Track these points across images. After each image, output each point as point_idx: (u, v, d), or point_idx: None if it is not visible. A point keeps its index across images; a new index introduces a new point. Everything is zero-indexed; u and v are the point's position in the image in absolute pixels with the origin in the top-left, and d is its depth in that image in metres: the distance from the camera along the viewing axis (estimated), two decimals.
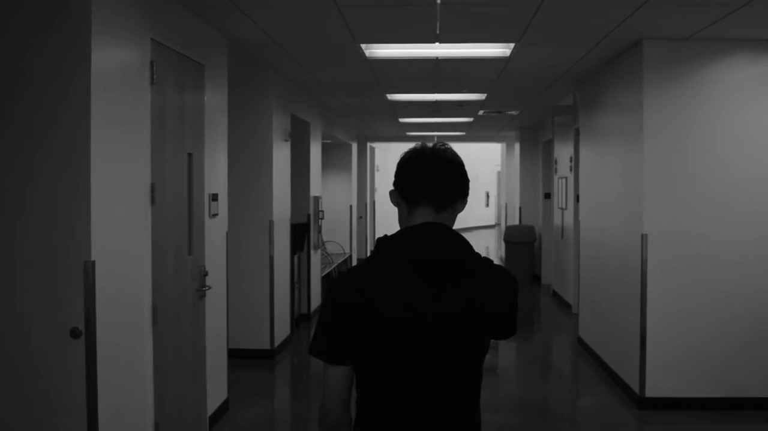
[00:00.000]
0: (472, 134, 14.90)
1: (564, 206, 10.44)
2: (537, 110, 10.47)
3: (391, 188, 1.90)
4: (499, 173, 30.56)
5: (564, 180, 10.41)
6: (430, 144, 1.88)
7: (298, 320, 8.78)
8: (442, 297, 1.76)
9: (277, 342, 7.27)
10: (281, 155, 7.42)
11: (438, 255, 1.78)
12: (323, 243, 12.41)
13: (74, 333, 3.31)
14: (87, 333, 3.32)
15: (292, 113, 7.87)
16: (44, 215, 3.33)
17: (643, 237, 5.60)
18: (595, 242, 7.26)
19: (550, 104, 9.82)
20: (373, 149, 16.94)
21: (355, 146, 14.19)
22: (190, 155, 4.57)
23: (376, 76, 7.26)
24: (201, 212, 4.78)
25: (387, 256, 1.80)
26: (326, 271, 11.28)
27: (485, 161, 28.90)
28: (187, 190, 4.55)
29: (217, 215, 5.09)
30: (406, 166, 1.87)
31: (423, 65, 6.69)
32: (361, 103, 9.81)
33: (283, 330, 7.59)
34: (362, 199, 15.46)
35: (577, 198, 9.71)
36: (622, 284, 6.19)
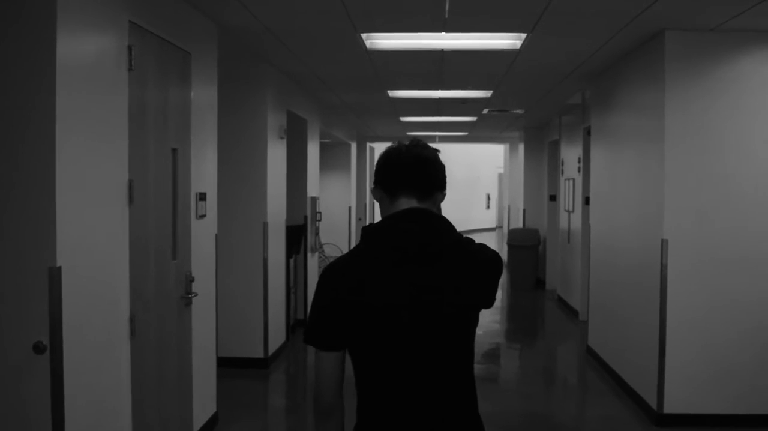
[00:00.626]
0: (475, 134, 14.53)
1: (571, 209, 10.06)
2: (544, 109, 10.10)
3: (372, 186, 1.98)
4: (500, 175, 30.22)
5: (571, 182, 10.04)
6: (406, 142, 1.96)
7: (294, 326, 8.40)
8: (426, 279, 1.81)
9: (271, 350, 6.89)
10: (276, 154, 7.05)
11: (421, 238, 1.83)
12: (321, 246, 12.04)
13: (37, 348, 2.93)
14: (52, 348, 2.95)
15: (288, 109, 7.50)
16: (4, 217, 2.95)
17: (663, 242, 5.22)
18: (607, 247, 6.89)
19: (558, 103, 9.45)
20: (372, 150, 16.56)
21: (354, 146, 13.81)
22: (174, 150, 4.19)
23: (377, 70, 6.89)
24: (187, 213, 4.41)
25: (372, 242, 1.85)
26: None
27: (486, 163, 28.53)
28: (172, 189, 4.18)
29: (205, 216, 4.72)
30: (386, 163, 1.94)
31: (427, 58, 6.32)
32: (361, 101, 9.43)
33: (277, 337, 7.21)
34: (361, 200, 15.08)
35: (585, 200, 9.34)
36: (638, 291, 5.82)
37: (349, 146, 13.23)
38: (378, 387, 1.85)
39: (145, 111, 3.76)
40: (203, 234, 4.72)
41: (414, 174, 1.90)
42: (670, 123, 5.20)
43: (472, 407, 1.92)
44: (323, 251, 12.76)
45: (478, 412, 1.95)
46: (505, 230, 16.65)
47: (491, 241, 24.63)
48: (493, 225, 29.98)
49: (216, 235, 5.02)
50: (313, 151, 9.05)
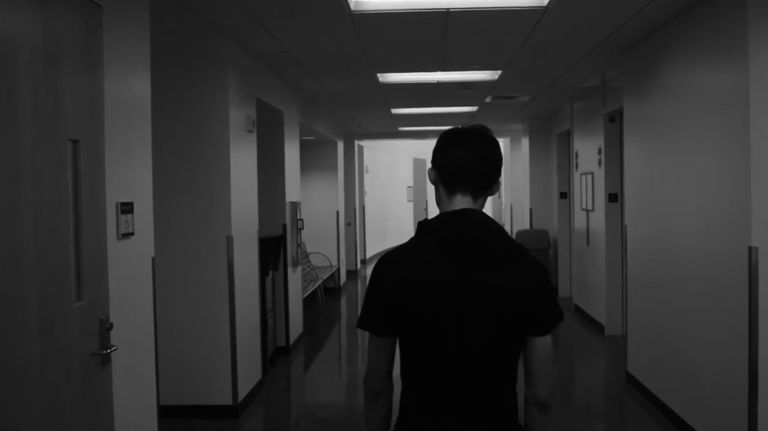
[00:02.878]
0: None
1: (590, 207, 8.79)
2: (554, 94, 8.83)
3: (429, 166, 1.98)
4: None
5: (589, 177, 8.76)
6: (470, 125, 1.94)
7: (275, 356, 7.08)
8: (474, 281, 1.81)
9: (242, 394, 5.56)
10: (243, 151, 5.73)
11: (473, 240, 1.83)
12: (307, 256, 10.70)
13: None
14: None
15: (258, 97, 6.18)
16: None
17: (751, 251, 3.93)
18: (654, 254, 5.60)
19: (573, 86, 8.18)
20: (361, 148, 15.24)
21: (341, 144, 12.49)
22: (74, 142, 2.86)
23: (364, 43, 5.58)
24: (100, 232, 3.08)
25: (427, 238, 1.87)
26: (310, 289, 9.58)
27: None
28: (72, 196, 2.85)
29: (132, 234, 3.38)
30: (448, 152, 1.91)
31: (427, 23, 5.02)
32: (347, 89, 8.12)
33: (251, 375, 5.88)
34: (350, 204, 13.76)
35: (609, 197, 8.07)
36: (710, 311, 4.54)
37: (336, 143, 11.91)
38: (419, 382, 1.89)
39: (6, 76, 2.43)
40: (130, 260, 3.39)
41: (476, 176, 1.90)
42: (758, 102, 3.90)
43: (510, 418, 1.91)
44: (309, 261, 11.45)
45: (519, 423, 1.93)
46: (507, 228, 15.38)
47: None
48: None
49: (153, 259, 3.70)
50: (291, 148, 7.73)
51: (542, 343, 1.88)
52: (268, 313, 6.71)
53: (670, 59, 5.12)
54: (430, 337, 1.83)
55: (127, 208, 3.34)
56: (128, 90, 3.46)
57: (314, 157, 11.77)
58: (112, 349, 3.06)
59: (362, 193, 15.27)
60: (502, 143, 16.35)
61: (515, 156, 14.27)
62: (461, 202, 1.89)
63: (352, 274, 13.76)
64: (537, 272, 1.88)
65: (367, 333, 1.93)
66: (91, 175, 2.99)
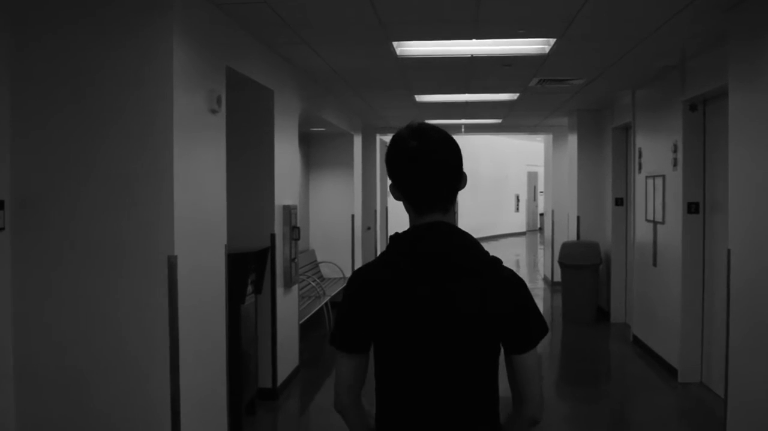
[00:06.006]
0: (511, 122, 11.57)
1: (659, 219, 7.09)
2: (614, 78, 7.15)
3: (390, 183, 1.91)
4: (529, 174, 27.22)
5: (659, 180, 7.07)
6: (415, 127, 1.84)
7: (254, 403, 5.51)
8: (448, 296, 1.78)
9: None
10: (201, 138, 4.17)
11: (446, 257, 1.80)
12: (316, 266, 9.12)
13: None
14: None
15: (229, 65, 4.61)
16: None
17: None
18: None
19: (644, 65, 6.49)
20: (384, 144, 13.62)
21: (358, 139, 10.90)
22: None
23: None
24: None
25: (397, 253, 1.83)
26: (314, 310, 8.00)
27: (515, 160, 25.57)
28: None
29: None
30: (407, 165, 1.83)
31: None
32: (357, 65, 6.51)
33: None
34: (369, 206, 12.16)
35: (689, 207, 6.38)
36: None
37: (351, 137, 10.31)
38: (393, 400, 1.86)
39: None
40: None
41: (444, 193, 1.84)
42: None
43: (489, 425, 1.87)
44: (318, 273, 9.87)
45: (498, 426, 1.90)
46: (548, 237, 13.64)
47: (520, 247, 21.58)
48: (523, 230, 26.97)
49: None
50: (286, 139, 6.16)
51: (526, 360, 1.82)
52: (243, 353, 5.14)
53: None
54: (404, 354, 1.81)
55: None
56: None
57: (324, 152, 10.20)
58: None
59: (385, 194, 13.66)
60: (543, 139, 14.63)
61: (558, 155, 12.54)
62: (431, 216, 1.84)
63: None
64: (513, 285, 1.84)
65: None
66: None
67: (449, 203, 1.85)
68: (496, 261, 1.84)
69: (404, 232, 1.86)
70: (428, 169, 1.80)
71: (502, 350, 1.85)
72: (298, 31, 5.05)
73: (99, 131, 3.74)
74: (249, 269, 5.20)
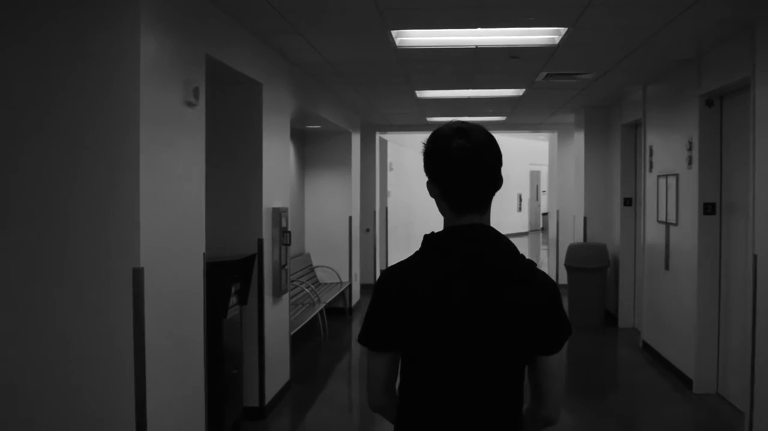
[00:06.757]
0: (515, 120, 11.15)
1: (672, 220, 6.68)
2: (625, 72, 6.73)
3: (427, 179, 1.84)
4: (532, 173, 26.76)
5: (671, 179, 6.66)
6: (458, 125, 1.79)
7: (239, 424, 5.10)
8: (483, 299, 1.76)
9: None
10: (176, 135, 3.75)
11: (488, 259, 1.78)
12: (312, 270, 8.70)
13: None
14: None
15: (209, 53, 4.19)
16: None
17: None
18: None
19: (659, 58, 6.08)
20: (384, 143, 13.21)
21: (356, 137, 10.48)
22: None
23: None
24: None
25: (434, 254, 1.79)
26: (307, 318, 7.58)
27: (517, 159, 25.11)
28: None
29: None
30: (441, 167, 1.79)
31: None
32: (354, 57, 6.09)
33: None
34: (368, 207, 11.74)
35: (705, 208, 5.97)
36: None
37: (349, 135, 9.90)
38: (420, 401, 1.82)
39: None
40: None
41: (485, 194, 1.81)
42: None
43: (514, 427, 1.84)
44: (314, 278, 9.45)
45: None
46: (552, 238, 13.21)
47: (523, 248, 21.13)
48: (525, 230, 26.54)
49: None
50: (277, 137, 5.74)
51: (552, 361, 1.84)
52: (226, 367, 4.72)
53: None
54: (437, 355, 1.78)
55: None
56: None
57: (320, 151, 9.79)
58: None
59: (384, 194, 13.24)
60: (548, 138, 14.20)
61: (564, 153, 12.11)
62: (469, 218, 1.80)
63: (369, 289, 11.71)
64: (547, 289, 1.81)
65: None
66: None
67: (487, 205, 1.82)
68: (532, 265, 1.82)
69: (443, 232, 1.82)
70: (471, 170, 1.77)
71: None
72: (288, 18, 4.63)
73: (56, 130, 3.32)
74: (232, 278, 4.78)
